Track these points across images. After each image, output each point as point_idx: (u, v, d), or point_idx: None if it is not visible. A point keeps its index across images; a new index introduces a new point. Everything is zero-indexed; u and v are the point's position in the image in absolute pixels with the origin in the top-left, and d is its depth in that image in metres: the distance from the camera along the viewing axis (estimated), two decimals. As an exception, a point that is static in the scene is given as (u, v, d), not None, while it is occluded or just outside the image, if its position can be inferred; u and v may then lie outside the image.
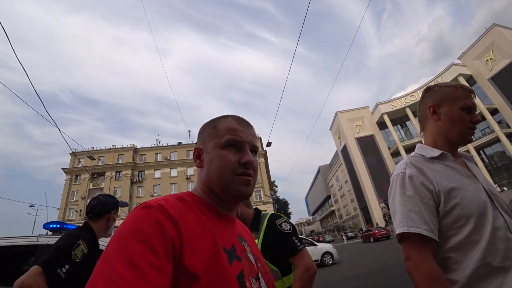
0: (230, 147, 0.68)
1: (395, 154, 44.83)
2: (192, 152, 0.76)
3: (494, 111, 37.12)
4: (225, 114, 0.77)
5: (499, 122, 36.44)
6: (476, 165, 1.12)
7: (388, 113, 45.97)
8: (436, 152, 1.02)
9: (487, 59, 36.62)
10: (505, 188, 31.13)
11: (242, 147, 0.70)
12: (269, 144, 18.55)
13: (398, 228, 0.90)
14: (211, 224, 0.62)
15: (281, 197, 59.11)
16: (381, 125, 47.58)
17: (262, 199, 38.10)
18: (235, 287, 0.56)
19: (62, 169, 39.40)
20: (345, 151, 50.32)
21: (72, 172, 39.07)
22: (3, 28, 4.25)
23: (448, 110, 1.05)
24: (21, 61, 4.94)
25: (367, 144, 46.45)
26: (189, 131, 48.50)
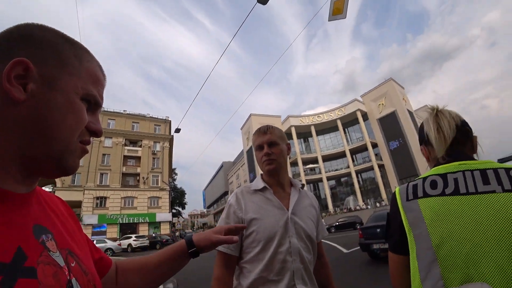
0: (85, 102, 0.49)
1: (293, 164, 48.74)
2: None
3: (374, 145, 45.78)
4: (87, 49, 0.53)
5: (376, 155, 45.15)
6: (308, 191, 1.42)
7: (296, 127, 49.79)
8: (260, 185, 1.26)
9: (380, 103, 45.49)
10: (369, 207, 38.68)
11: (96, 110, 0.53)
12: (178, 130, 17.87)
13: None
14: None
15: (179, 186, 57.41)
16: (288, 135, 50.82)
17: (159, 185, 36.26)
18: None
19: None
20: (250, 153, 52.41)
21: None
22: None
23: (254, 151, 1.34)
24: None
25: (271, 150, 49.09)
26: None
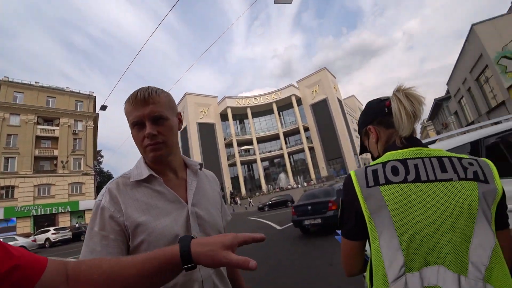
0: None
1: (228, 145, 49.21)
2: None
3: (306, 129, 49.48)
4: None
5: (307, 138, 48.84)
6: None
7: (232, 108, 49.75)
8: (145, 173, 0.90)
9: (313, 90, 49.66)
10: (299, 186, 42.16)
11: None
12: (104, 107, 16.22)
13: None
14: None
15: (106, 170, 52.84)
16: (224, 116, 50.85)
17: (82, 169, 32.61)
18: None
19: None
20: (184, 132, 50.64)
21: None
22: None
23: (131, 130, 0.92)
24: None
25: (207, 131, 48.30)
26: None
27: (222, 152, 48.32)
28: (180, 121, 1.01)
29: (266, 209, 26.23)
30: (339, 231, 1.00)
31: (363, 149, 1.10)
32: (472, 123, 20.62)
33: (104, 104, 16.23)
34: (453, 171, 0.78)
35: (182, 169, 1.01)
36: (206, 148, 47.02)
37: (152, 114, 0.87)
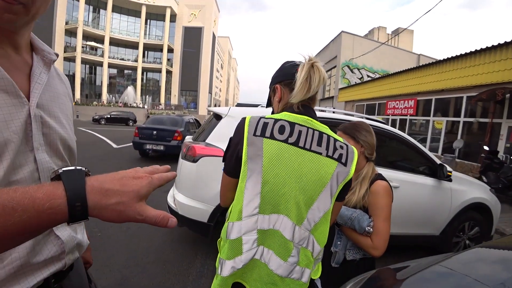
0: None
1: (70, 32, 38.69)
2: None
3: (170, 50, 45.54)
4: None
5: (168, 60, 45.49)
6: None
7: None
8: None
9: (192, 13, 45.51)
10: (146, 106, 39.22)
11: None
12: None
13: None
14: None
15: None
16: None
17: None
18: None
19: None
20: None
21: None
22: None
23: None
24: None
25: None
26: None
27: (59, 39, 37.25)
28: None
29: (103, 122, 23.98)
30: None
31: (269, 103, 1.16)
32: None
33: None
34: (326, 148, 0.93)
35: (27, 50, 0.65)
36: (37, 24, 35.28)
37: None
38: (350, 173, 0.94)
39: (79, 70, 39.01)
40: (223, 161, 1.03)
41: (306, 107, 0.99)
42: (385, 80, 14.57)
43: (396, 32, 31.44)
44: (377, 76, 19.20)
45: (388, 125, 3.37)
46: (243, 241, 0.92)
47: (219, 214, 2.57)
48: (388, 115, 14.30)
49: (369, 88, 16.20)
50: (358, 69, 21.99)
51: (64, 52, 38.25)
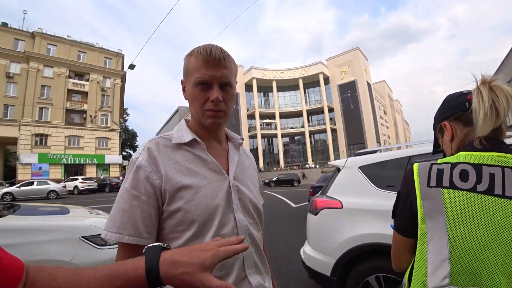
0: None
1: (251, 116, 49.13)
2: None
3: (330, 109, 48.35)
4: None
5: (330, 119, 48.03)
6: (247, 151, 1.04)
7: (258, 79, 48.98)
8: (188, 137, 0.81)
9: (343, 70, 47.74)
10: (317, 166, 42.23)
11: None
12: (132, 66, 17.11)
13: (104, 228, 0.72)
14: None
15: (130, 128, 54.43)
16: (248, 87, 50.28)
17: (109, 125, 33.82)
18: None
19: None
20: (208, 100, 50.70)
21: None
22: None
23: (188, 86, 0.82)
24: None
25: (230, 100, 48.23)
26: (24, 12, 34.14)
27: (244, 123, 48.32)
28: None
29: (273, 185, 26.71)
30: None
31: (436, 146, 0.99)
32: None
33: (132, 63, 16.58)
34: None
35: (224, 140, 0.93)
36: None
37: (223, 79, 0.78)
38: None
39: (260, 143, 47.82)
40: (392, 218, 0.89)
41: (491, 141, 0.76)
42: None
43: None
44: None
45: None
46: None
47: (340, 269, 2.43)
48: None
49: None
50: None
51: (248, 131, 48.50)
